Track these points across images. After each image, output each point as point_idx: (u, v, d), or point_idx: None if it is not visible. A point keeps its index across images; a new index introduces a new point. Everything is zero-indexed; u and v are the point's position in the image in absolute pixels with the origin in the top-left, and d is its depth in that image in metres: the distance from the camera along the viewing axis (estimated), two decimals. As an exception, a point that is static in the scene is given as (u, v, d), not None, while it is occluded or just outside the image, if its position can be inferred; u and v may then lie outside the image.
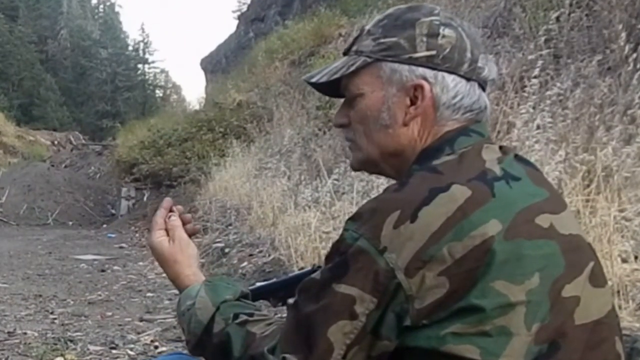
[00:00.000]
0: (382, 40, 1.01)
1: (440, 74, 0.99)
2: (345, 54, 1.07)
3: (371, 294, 0.88)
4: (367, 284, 0.88)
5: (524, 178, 0.97)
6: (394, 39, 1.00)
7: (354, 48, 1.05)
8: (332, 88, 1.10)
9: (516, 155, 1.02)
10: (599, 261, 1.00)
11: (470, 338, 0.86)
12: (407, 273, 0.87)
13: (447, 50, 0.99)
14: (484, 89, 1.03)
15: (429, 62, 0.99)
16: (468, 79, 1.00)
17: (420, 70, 0.99)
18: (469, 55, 0.99)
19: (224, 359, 1.04)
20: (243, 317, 1.05)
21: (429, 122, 1.01)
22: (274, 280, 1.40)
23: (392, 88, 1.01)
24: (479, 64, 1.00)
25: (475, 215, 0.88)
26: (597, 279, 0.97)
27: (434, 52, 0.99)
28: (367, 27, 1.05)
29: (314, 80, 1.09)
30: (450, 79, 0.99)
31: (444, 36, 0.99)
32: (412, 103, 1.00)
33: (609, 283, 2.25)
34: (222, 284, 1.12)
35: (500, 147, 1.01)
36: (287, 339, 0.94)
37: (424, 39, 0.99)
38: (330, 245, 0.99)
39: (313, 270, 1.29)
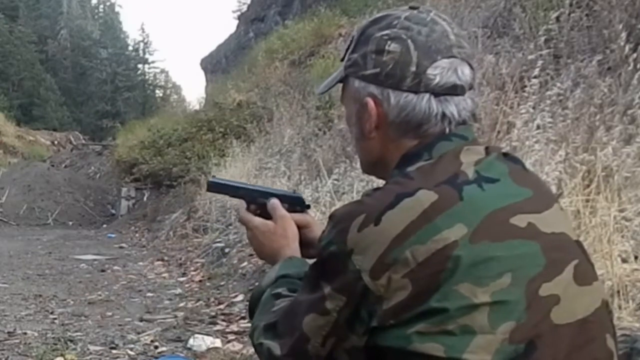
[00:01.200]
0: (350, 56, 1.06)
1: (386, 90, 1.01)
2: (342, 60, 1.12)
3: (340, 293, 0.93)
4: (336, 283, 0.94)
5: (503, 179, 0.96)
6: (355, 55, 1.04)
7: (344, 60, 1.10)
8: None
9: (505, 154, 1.02)
10: (587, 259, 1.00)
11: (434, 337, 0.88)
12: (372, 275, 0.90)
13: (390, 66, 1.00)
14: (452, 94, 1.00)
15: (375, 80, 1.01)
16: (415, 92, 0.99)
17: (371, 87, 1.02)
18: (413, 69, 0.98)
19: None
20: (280, 290, 1.12)
21: (386, 136, 1.03)
22: (241, 183, 1.45)
23: (356, 103, 1.05)
24: (429, 75, 0.98)
25: (440, 219, 0.90)
26: (583, 277, 0.96)
27: (378, 70, 1.01)
28: (353, 37, 1.08)
29: (317, 92, 1.20)
30: (394, 95, 1.00)
31: (388, 52, 1.00)
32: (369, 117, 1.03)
33: (609, 283, 2.26)
34: (296, 263, 1.19)
35: (487, 148, 1.01)
36: (281, 322, 1.03)
37: (373, 56, 1.02)
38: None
39: (294, 192, 1.37)
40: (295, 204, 1.31)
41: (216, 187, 1.41)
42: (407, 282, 0.89)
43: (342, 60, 1.10)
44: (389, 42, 1.00)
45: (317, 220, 1.42)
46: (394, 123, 1.01)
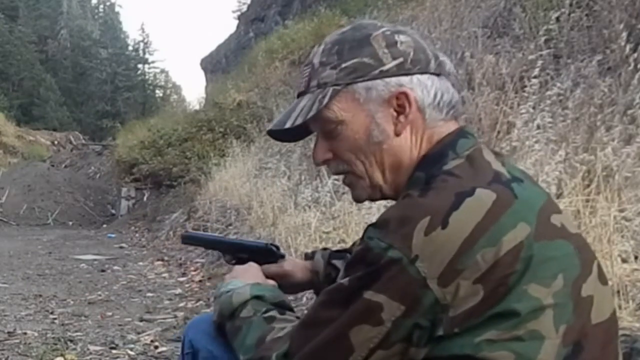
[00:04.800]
0: (344, 65, 0.99)
1: (415, 77, 0.98)
2: (301, 94, 1.04)
3: (399, 302, 0.87)
4: (396, 292, 0.87)
5: (525, 179, 0.97)
6: (356, 60, 0.98)
7: (313, 83, 1.02)
8: (296, 132, 1.07)
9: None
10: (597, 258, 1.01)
11: (505, 344, 0.85)
12: (440, 282, 0.85)
13: (412, 53, 0.98)
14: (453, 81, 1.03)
15: (400, 70, 0.98)
16: (438, 75, 1.00)
17: (394, 80, 0.98)
18: (430, 53, 1.00)
19: (235, 344, 1.06)
20: (272, 314, 1.06)
21: (419, 127, 1.00)
22: (215, 235, 1.45)
23: (373, 105, 0.99)
24: (441, 59, 1.00)
25: (504, 219, 0.87)
26: (603, 276, 0.97)
27: (401, 60, 0.98)
28: (315, 61, 1.03)
29: (287, 126, 1.02)
30: (425, 78, 0.99)
31: (401, 42, 0.98)
32: (398, 113, 0.99)
33: (609, 283, 2.26)
34: (268, 288, 1.14)
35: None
36: (305, 336, 0.94)
37: (386, 50, 0.98)
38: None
39: (265, 245, 1.33)
40: (268, 255, 1.28)
41: (190, 240, 1.41)
42: (479, 288, 0.85)
43: (305, 89, 1.03)
44: (395, 35, 0.99)
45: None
46: (430, 107, 0.99)
